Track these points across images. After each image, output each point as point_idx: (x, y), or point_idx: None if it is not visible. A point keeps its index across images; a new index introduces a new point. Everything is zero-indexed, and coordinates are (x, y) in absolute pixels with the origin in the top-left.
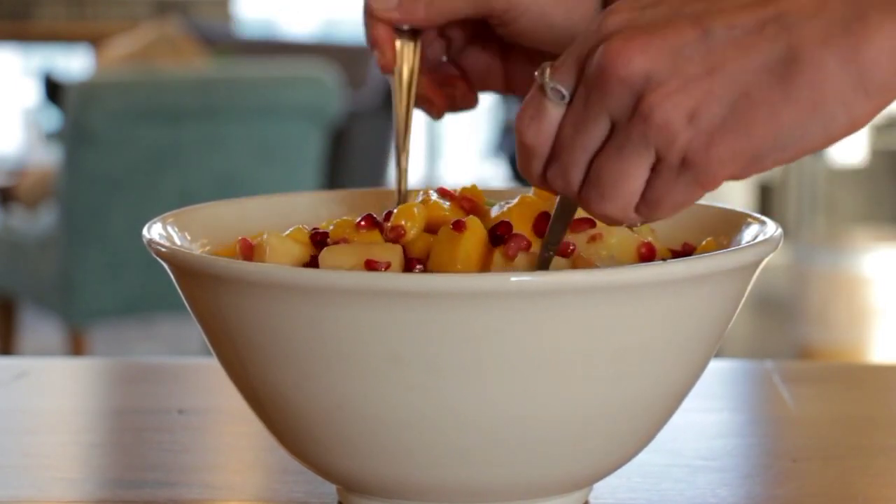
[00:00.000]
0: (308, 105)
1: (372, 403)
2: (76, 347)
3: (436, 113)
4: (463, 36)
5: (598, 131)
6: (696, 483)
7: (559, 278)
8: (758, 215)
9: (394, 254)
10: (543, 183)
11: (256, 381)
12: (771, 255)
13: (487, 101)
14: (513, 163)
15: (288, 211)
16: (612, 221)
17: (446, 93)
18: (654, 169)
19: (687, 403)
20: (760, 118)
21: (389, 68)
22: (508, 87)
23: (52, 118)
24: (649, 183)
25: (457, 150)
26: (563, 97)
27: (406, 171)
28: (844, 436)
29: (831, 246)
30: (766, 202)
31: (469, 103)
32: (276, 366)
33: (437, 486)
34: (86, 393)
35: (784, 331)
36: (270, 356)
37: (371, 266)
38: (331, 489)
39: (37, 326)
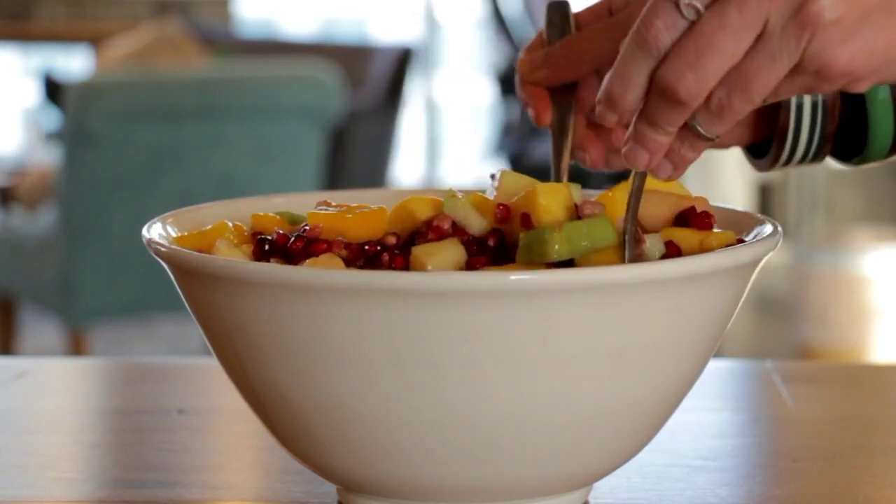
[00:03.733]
0: (308, 105)
1: (372, 403)
2: (76, 347)
3: (589, 162)
4: None
5: (748, 36)
6: (696, 483)
7: (559, 278)
8: (758, 215)
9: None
10: (625, 101)
11: (256, 381)
12: (770, 255)
13: (487, 101)
14: (513, 162)
15: (288, 211)
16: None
17: (604, 140)
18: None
19: (687, 403)
20: None
21: (544, 123)
22: None
23: (52, 118)
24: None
25: (457, 150)
26: (696, 13)
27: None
28: (844, 436)
29: (831, 246)
30: (766, 202)
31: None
32: (276, 366)
33: (436, 485)
34: (86, 393)
35: (784, 331)
36: (270, 356)
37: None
38: (331, 489)
39: (37, 326)
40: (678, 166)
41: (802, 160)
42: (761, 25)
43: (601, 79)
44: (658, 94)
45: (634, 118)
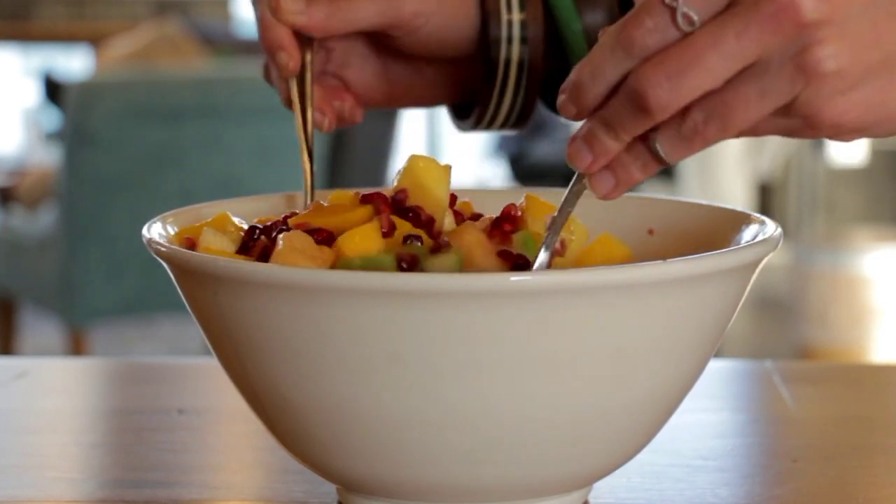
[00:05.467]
0: None
1: (372, 403)
2: (76, 347)
3: (326, 125)
4: (346, 47)
5: (739, 63)
6: (696, 483)
7: (559, 278)
8: (758, 215)
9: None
10: (595, 97)
11: (256, 381)
12: (771, 255)
13: None
14: (512, 163)
15: (288, 211)
16: (676, 152)
17: (335, 106)
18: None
19: (687, 403)
20: None
21: (296, 70)
22: (390, 101)
23: (52, 118)
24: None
25: (457, 150)
26: (691, 25)
27: (312, 172)
28: (844, 436)
29: (831, 246)
30: (766, 202)
31: (355, 117)
32: (276, 366)
33: (436, 486)
34: (86, 393)
35: (784, 331)
36: (270, 356)
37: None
38: (331, 489)
39: (37, 326)
40: (620, 184)
41: (504, 124)
42: (755, 57)
43: (325, 49)
44: (626, 96)
45: (591, 116)
